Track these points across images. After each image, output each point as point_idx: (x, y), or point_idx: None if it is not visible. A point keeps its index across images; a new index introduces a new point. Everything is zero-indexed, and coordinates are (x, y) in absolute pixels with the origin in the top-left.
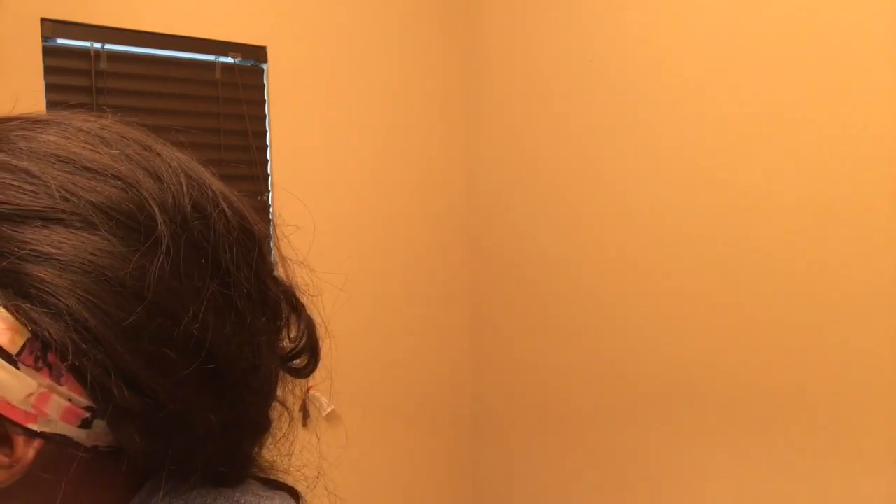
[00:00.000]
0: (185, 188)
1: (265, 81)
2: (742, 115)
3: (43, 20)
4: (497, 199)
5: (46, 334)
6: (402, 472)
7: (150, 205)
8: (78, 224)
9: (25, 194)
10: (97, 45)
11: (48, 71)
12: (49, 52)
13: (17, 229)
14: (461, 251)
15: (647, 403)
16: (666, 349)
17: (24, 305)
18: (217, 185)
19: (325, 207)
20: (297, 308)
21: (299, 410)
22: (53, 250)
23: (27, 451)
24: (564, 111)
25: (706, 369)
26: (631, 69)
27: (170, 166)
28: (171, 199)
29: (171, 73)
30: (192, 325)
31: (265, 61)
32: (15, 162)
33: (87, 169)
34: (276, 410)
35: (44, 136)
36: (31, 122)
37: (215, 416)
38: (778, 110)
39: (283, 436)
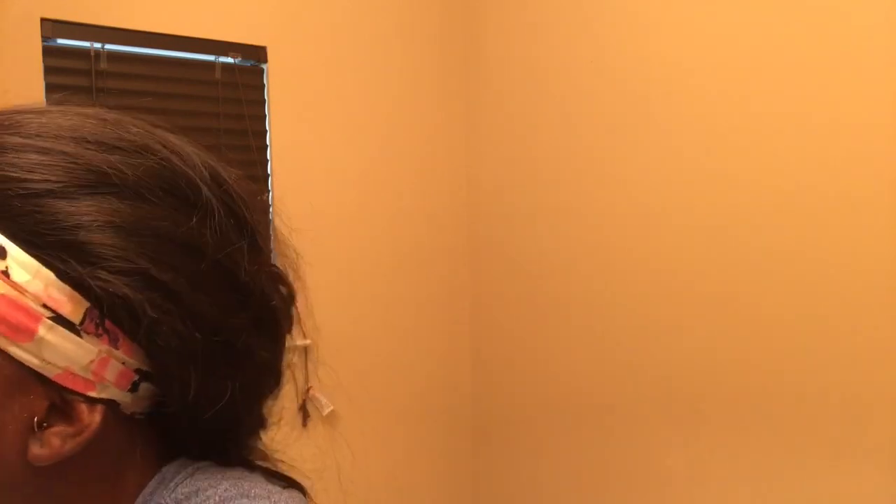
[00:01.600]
0: (201, 160)
1: (265, 81)
2: (743, 115)
3: (43, 20)
4: (497, 199)
5: (119, 296)
6: (402, 472)
7: (188, 174)
8: (128, 194)
9: (71, 172)
10: (97, 45)
11: (48, 71)
12: (49, 52)
13: (72, 204)
14: (461, 251)
15: (647, 403)
16: (666, 349)
17: (95, 272)
18: (214, 161)
19: (324, 207)
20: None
21: (299, 411)
22: (114, 219)
23: (93, 417)
24: (564, 111)
25: (707, 370)
26: (631, 69)
27: (180, 144)
28: (197, 169)
29: (171, 73)
30: (244, 275)
31: (265, 61)
32: (47, 145)
33: (117, 147)
34: (276, 407)
35: (60, 121)
36: (38, 112)
37: (268, 354)
38: (779, 110)
39: (285, 423)
